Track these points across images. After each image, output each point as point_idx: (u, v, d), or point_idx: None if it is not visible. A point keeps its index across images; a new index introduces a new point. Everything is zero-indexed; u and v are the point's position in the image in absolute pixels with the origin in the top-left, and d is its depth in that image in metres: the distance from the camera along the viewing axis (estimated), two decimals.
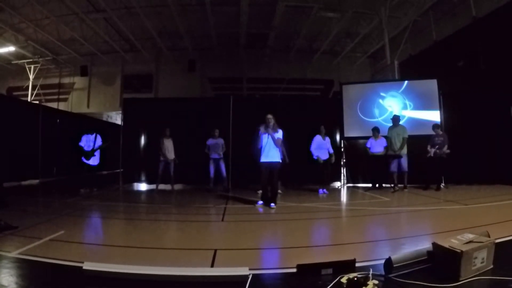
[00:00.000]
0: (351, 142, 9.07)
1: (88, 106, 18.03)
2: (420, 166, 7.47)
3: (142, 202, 6.82)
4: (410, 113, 8.53)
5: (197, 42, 16.39)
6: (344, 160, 9.05)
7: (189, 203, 6.29)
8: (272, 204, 5.38)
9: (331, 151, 7.50)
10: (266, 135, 5.46)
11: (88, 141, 7.54)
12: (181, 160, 7.95)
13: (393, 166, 7.44)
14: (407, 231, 3.91)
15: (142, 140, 8.97)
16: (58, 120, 10.24)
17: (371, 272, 2.10)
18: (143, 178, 8.89)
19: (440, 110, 8.31)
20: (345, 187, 8.64)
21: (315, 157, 7.32)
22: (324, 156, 7.36)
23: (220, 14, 13.30)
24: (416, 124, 8.27)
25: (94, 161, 7.57)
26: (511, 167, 7.33)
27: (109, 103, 18.03)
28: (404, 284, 2.01)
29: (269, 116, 5.46)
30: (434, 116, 8.26)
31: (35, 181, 9.15)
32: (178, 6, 12.58)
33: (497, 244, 2.26)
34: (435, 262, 2.21)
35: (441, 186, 7.41)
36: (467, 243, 2.12)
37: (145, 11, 12.80)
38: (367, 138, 8.12)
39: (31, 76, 17.14)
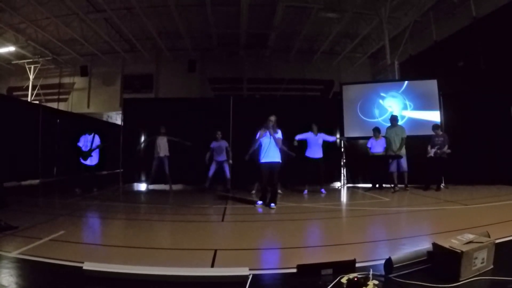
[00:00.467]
0: (351, 142, 9.06)
1: (88, 106, 18.03)
2: (420, 167, 7.47)
3: (142, 202, 6.82)
4: (410, 114, 8.53)
5: (197, 43, 16.39)
6: (344, 160, 9.05)
7: (189, 203, 6.29)
8: (272, 205, 5.38)
9: (333, 139, 7.41)
10: (268, 136, 5.45)
11: (86, 141, 7.54)
12: (181, 160, 7.94)
13: (393, 167, 7.45)
14: (407, 231, 3.91)
15: (142, 141, 8.96)
16: (58, 120, 10.24)
17: (371, 272, 2.10)
18: (143, 178, 8.89)
19: (440, 111, 8.31)
20: (345, 187, 8.64)
21: (295, 143, 7.17)
22: (314, 154, 7.34)
23: (220, 14, 13.31)
24: (416, 125, 8.27)
25: (91, 161, 7.55)
26: (511, 167, 7.33)
27: (109, 103, 18.03)
28: (404, 285, 2.01)
29: (272, 118, 5.46)
30: (434, 116, 8.26)
31: (35, 181, 9.15)
32: (178, 6, 12.58)
33: (497, 245, 2.25)
34: (435, 263, 2.21)
35: (441, 186, 7.41)
36: (467, 243, 2.12)
37: (145, 11, 12.80)
38: (367, 138, 8.11)
39: (31, 76, 17.15)
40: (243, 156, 6.01)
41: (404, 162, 7.42)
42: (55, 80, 18.37)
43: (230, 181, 7.83)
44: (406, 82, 8.89)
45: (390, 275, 2.12)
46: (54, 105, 16.08)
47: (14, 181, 8.39)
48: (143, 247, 3.12)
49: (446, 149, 7.12)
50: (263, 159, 5.48)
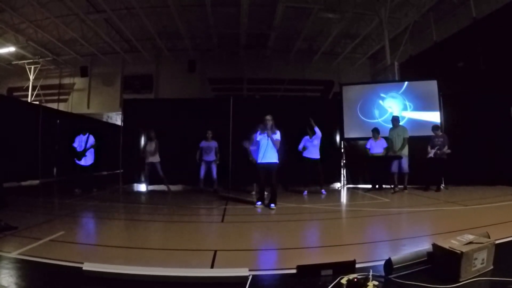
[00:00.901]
0: (351, 143, 9.07)
1: (88, 107, 18.04)
2: (420, 167, 7.47)
3: (142, 202, 6.81)
4: (410, 114, 8.53)
5: (197, 43, 16.41)
6: (344, 161, 9.05)
7: (188, 204, 6.30)
8: (272, 205, 5.38)
9: (319, 134, 7.30)
10: (265, 136, 5.45)
11: (80, 142, 7.53)
12: (180, 160, 7.94)
13: (394, 167, 7.45)
14: (407, 232, 3.91)
15: (142, 141, 8.95)
16: (58, 121, 10.24)
17: (371, 273, 2.09)
18: (143, 179, 8.87)
19: (440, 111, 8.31)
20: (345, 188, 8.63)
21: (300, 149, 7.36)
22: (310, 154, 7.34)
23: (220, 15, 13.32)
24: (416, 125, 8.27)
25: (86, 161, 7.54)
26: (511, 168, 7.32)
27: (109, 104, 18.04)
28: (404, 285, 2.01)
29: (268, 117, 5.45)
30: (434, 117, 8.25)
31: (35, 182, 9.15)
32: (178, 7, 12.59)
33: (497, 245, 2.26)
34: (435, 263, 2.22)
35: (441, 187, 7.40)
36: (467, 244, 2.13)
37: (145, 11, 12.81)
38: (367, 139, 8.11)
39: (31, 77, 17.15)
40: (243, 157, 6.00)
41: (405, 163, 7.41)
42: (55, 81, 18.38)
43: (217, 182, 7.79)
44: (406, 82, 8.89)
45: (390, 276, 2.12)
46: (54, 105, 16.09)
47: (14, 181, 8.39)
48: (143, 248, 3.12)
49: (446, 149, 7.12)
50: (261, 160, 5.48)
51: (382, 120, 8.68)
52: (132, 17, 13.48)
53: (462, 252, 2.01)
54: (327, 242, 3.59)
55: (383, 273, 2.16)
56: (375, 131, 7.80)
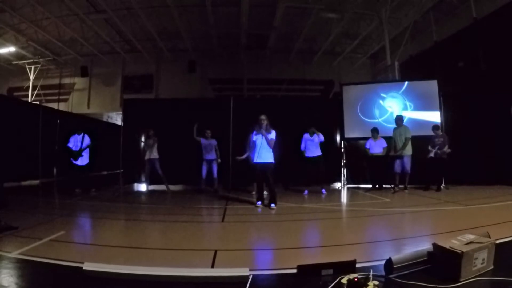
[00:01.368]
0: (351, 143, 9.07)
1: (88, 107, 18.04)
2: (420, 167, 7.46)
3: (142, 202, 6.81)
4: (411, 114, 8.52)
5: (198, 43, 16.41)
6: (344, 161, 9.05)
7: (188, 204, 6.29)
8: (273, 205, 5.38)
9: (322, 139, 7.29)
10: (260, 136, 5.46)
11: (76, 142, 7.53)
12: (181, 160, 7.93)
13: (397, 167, 7.44)
14: (408, 231, 3.91)
15: (142, 141, 8.96)
16: (58, 121, 10.24)
17: (371, 273, 2.09)
18: (143, 178, 8.88)
19: (440, 111, 8.31)
20: (345, 188, 8.63)
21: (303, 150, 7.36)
22: (312, 153, 7.33)
23: (221, 15, 13.33)
24: (417, 125, 8.26)
25: (82, 161, 7.55)
26: (511, 167, 7.32)
27: (109, 104, 18.05)
28: (405, 285, 2.00)
29: (263, 117, 5.45)
30: (434, 117, 8.25)
31: (35, 182, 9.15)
32: (178, 7, 12.59)
33: (498, 245, 2.26)
34: (436, 263, 2.21)
35: (442, 186, 7.40)
36: (467, 243, 2.12)
37: (146, 11, 12.81)
38: (367, 139, 8.11)
39: (31, 77, 17.16)
40: (240, 155, 6.00)
41: (408, 163, 7.40)
42: (56, 81, 18.38)
43: (217, 181, 7.79)
44: (406, 82, 8.89)
45: (391, 276, 2.12)
46: (54, 105, 16.08)
47: (14, 181, 8.39)
48: (143, 248, 3.12)
49: (446, 149, 7.11)
50: (256, 160, 5.50)
51: (382, 120, 8.68)
52: (132, 17, 13.49)
53: (462, 252, 2.01)
54: (327, 242, 3.59)
55: (383, 273, 2.16)
56: (375, 131, 7.80)
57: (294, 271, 2.20)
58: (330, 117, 8.86)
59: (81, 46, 16.11)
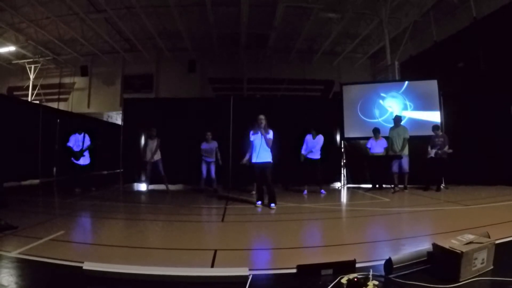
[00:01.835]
0: (351, 143, 9.07)
1: (88, 106, 18.05)
2: (420, 167, 7.47)
3: (142, 202, 6.81)
4: (411, 114, 8.52)
5: (198, 43, 16.40)
6: (344, 161, 9.05)
7: (188, 204, 6.29)
8: (272, 205, 5.38)
9: (321, 142, 7.31)
10: (259, 135, 5.45)
11: (77, 141, 7.51)
12: (181, 160, 7.93)
13: (395, 167, 7.45)
14: (407, 231, 3.90)
15: (142, 140, 8.95)
16: (58, 120, 10.24)
17: (371, 273, 2.09)
18: (143, 178, 8.88)
19: (440, 111, 8.31)
20: (345, 187, 8.63)
21: (302, 159, 7.30)
22: (313, 155, 7.32)
23: (221, 15, 13.33)
24: (416, 125, 8.27)
25: (84, 161, 7.54)
26: (511, 168, 7.32)
27: (109, 103, 18.07)
28: (404, 285, 2.00)
29: (261, 116, 5.45)
30: (435, 116, 8.25)
31: (35, 181, 9.15)
32: (178, 6, 12.59)
33: (497, 245, 2.26)
34: (435, 263, 2.21)
35: (442, 186, 7.40)
36: (467, 244, 2.12)
37: (146, 11, 12.82)
38: (367, 138, 8.12)
39: (31, 76, 17.17)
40: (243, 157, 5.98)
41: (406, 163, 7.42)
42: (56, 80, 18.39)
43: (216, 182, 7.77)
44: (406, 82, 8.89)
45: (390, 276, 2.12)
46: (54, 105, 16.09)
47: (14, 181, 8.39)
48: (143, 247, 3.12)
49: (447, 149, 7.12)
50: (254, 160, 5.50)
51: (382, 120, 8.67)
52: (132, 17, 13.49)
53: (462, 252, 2.01)
54: (327, 241, 3.59)
55: (383, 273, 2.16)
56: (376, 131, 7.80)
57: (294, 271, 2.20)
58: (330, 117, 8.86)
59: (81, 46, 16.12)
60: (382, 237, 3.66)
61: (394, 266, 2.13)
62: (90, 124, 10.39)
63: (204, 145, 7.63)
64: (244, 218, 4.91)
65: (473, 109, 8.15)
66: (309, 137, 7.36)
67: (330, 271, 2.16)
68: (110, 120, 18.64)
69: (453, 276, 2.01)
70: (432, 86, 8.45)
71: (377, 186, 7.96)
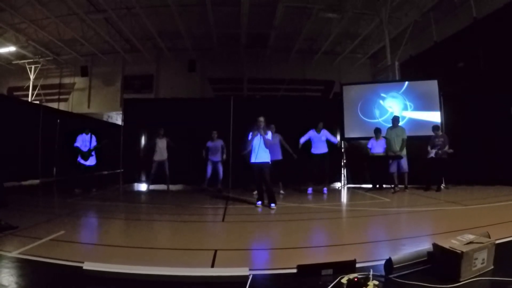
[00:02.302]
0: (351, 143, 9.06)
1: (88, 106, 18.04)
2: (420, 167, 7.47)
3: (142, 202, 6.82)
4: (411, 114, 8.52)
5: (198, 43, 16.39)
6: (345, 161, 9.05)
7: (189, 204, 6.29)
8: (272, 205, 5.39)
9: (334, 140, 7.48)
10: (258, 136, 5.47)
11: (84, 141, 7.52)
12: (181, 160, 7.93)
13: (393, 167, 7.45)
14: (408, 231, 3.91)
15: (143, 141, 8.97)
16: (58, 120, 10.24)
17: (371, 273, 2.09)
18: (143, 178, 8.89)
19: (441, 111, 8.31)
20: (345, 187, 8.63)
21: (300, 147, 7.29)
22: (319, 150, 7.34)
23: (221, 15, 13.31)
24: (417, 125, 8.27)
25: (91, 161, 7.56)
26: (511, 167, 7.32)
27: (109, 104, 18.05)
28: (404, 285, 2.01)
29: (261, 118, 5.49)
30: (435, 117, 8.25)
31: (35, 181, 9.16)
32: (178, 6, 12.58)
33: (498, 245, 2.26)
34: (436, 263, 2.21)
35: (442, 187, 7.40)
36: (467, 243, 2.12)
37: (146, 11, 12.81)
38: (367, 138, 8.11)
39: (31, 76, 17.16)
40: (243, 157, 6.00)
41: (404, 163, 7.42)
42: (56, 80, 18.39)
43: (222, 182, 7.79)
44: (406, 82, 8.88)
45: (390, 276, 2.12)
46: (54, 105, 16.09)
47: (14, 181, 8.39)
48: (143, 247, 3.12)
49: (447, 148, 7.11)
50: (253, 160, 5.52)
51: (382, 120, 8.67)
52: (132, 17, 13.48)
53: (462, 252, 2.01)
54: (327, 241, 3.60)
55: (383, 273, 2.16)
56: (377, 131, 7.80)
57: (294, 271, 2.20)
58: (330, 117, 8.84)
59: (81, 46, 16.11)
60: (382, 237, 3.66)
61: (394, 266, 2.13)
62: (89, 124, 10.37)
63: (209, 143, 7.65)
64: (244, 218, 4.91)
65: (473, 109, 8.15)
66: (312, 132, 7.38)
67: (330, 271, 2.16)
68: (110, 120, 18.63)
69: (453, 276, 2.02)
70: (432, 86, 8.45)
71: (377, 186, 7.96)
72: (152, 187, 8.10)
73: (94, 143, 7.58)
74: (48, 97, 17.84)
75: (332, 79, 17.62)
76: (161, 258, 2.78)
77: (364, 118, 8.86)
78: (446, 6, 11.58)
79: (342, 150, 9.07)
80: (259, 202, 5.64)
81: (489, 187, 7.23)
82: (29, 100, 16.42)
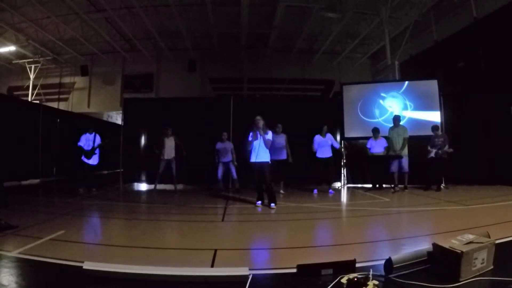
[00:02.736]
0: (351, 143, 9.07)
1: (88, 106, 18.04)
2: (420, 167, 7.47)
3: (143, 202, 6.82)
4: (411, 114, 8.53)
5: (198, 42, 16.40)
6: (345, 161, 9.05)
7: (189, 203, 6.30)
8: (272, 204, 5.39)
9: (337, 145, 7.58)
10: (258, 137, 5.47)
11: (88, 140, 7.52)
12: (181, 160, 7.93)
13: (394, 167, 7.45)
14: (407, 231, 3.91)
15: (143, 140, 8.97)
16: (58, 120, 10.24)
17: (371, 273, 2.10)
18: (143, 178, 8.89)
19: (441, 111, 8.31)
20: (345, 187, 8.63)
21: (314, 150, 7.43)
22: (324, 154, 7.37)
23: (221, 14, 13.31)
24: (417, 125, 8.27)
25: (94, 160, 7.57)
26: (511, 167, 7.32)
27: (109, 103, 18.05)
28: (404, 285, 2.01)
29: (258, 117, 5.48)
30: (435, 116, 8.25)
31: (35, 181, 9.16)
32: (178, 6, 12.58)
33: (497, 245, 2.26)
34: (435, 263, 2.21)
35: (442, 186, 7.40)
36: (467, 243, 2.12)
37: (146, 11, 12.80)
38: (367, 138, 8.11)
39: (31, 76, 17.15)
40: (244, 157, 6.01)
41: (405, 162, 7.41)
42: (56, 80, 18.38)
43: (238, 181, 7.77)
44: (406, 82, 8.88)
45: (390, 275, 2.12)
46: (54, 104, 16.08)
47: (14, 181, 8.39)
48: (143, 247, 3.12)
49: (447, 148, 7.11)
50: (253, 159, 5.52)
51: (382, 120, 8.67)
52: (132, 16, 13.47)
53: (462, 252, 2.01)
54: (327, 241, 3.60)
55: (383, 273, 2.16)
56: (376, 130, 7.80)
57: (294, 270, 2.20)
58: (330, 117, 8.85)
59: (81, 45, 16.11)
60: (382, 237, 3.66)
61: (394, 266, 2.13)
62: (90, 124, 10.37)
63: (219, 145, 7.60)
64: (244, 217, 4.91)
65: (473, 109, 8.15)
66: (318, 138, 7.42)
67: (330, 271, 2.16)
68: (110, 120, 18.62)
69: (453, 276, 2.02)
70: (432, 86, 8.45)
71: (377, 186, 7.96)
72: (151, 186, 8.08)
73: (98, 142, 7.58)
74: (48, 97, 17.83)
75: (332, 78, 17.61)
76: (161, 258, 2.78)
77: (364, 118, 8.86)
78: (446, 6, 11.58)
79: (342, 150, 9.07)
80: (259, 202, 5.64)
81: (489, 187, 7.23)
82: (29, 99, 16.41)
